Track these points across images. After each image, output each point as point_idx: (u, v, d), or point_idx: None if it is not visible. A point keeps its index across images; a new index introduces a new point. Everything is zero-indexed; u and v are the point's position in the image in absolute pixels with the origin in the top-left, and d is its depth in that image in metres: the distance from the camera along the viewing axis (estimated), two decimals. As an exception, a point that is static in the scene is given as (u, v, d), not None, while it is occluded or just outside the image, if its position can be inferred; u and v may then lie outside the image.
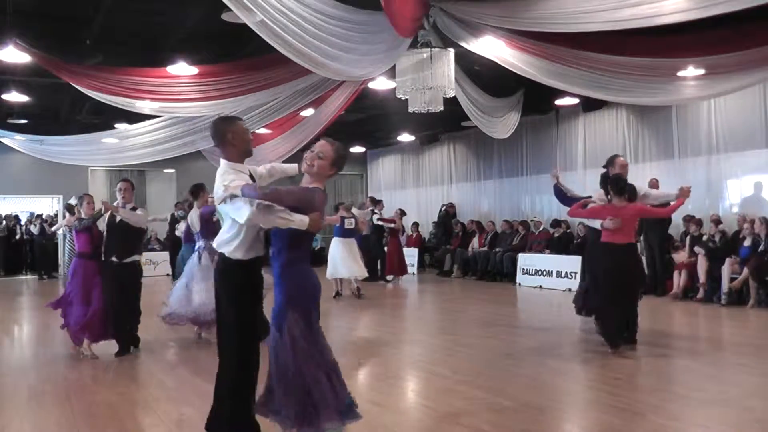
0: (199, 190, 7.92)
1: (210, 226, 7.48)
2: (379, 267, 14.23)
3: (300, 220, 3.40)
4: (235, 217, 3.52)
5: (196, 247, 7.68)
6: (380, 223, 14.09)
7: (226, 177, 3.58)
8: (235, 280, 3.65)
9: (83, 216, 6.85)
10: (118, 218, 6.74)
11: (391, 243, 14.12)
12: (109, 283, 6.66)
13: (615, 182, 6.60)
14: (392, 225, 14.07)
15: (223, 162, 3.71)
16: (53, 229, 12.31)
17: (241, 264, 3.64)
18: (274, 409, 3.51)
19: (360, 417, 3.58)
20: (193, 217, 7.78)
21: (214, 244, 3.78)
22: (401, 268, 14.20)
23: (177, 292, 7.42)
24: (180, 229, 9.22)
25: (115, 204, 6.85)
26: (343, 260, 11.02)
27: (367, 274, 11.65)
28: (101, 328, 6.62)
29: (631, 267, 6.57)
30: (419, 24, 7.36)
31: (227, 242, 3.65)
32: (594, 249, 6.93)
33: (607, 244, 6.51)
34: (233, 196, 3.46)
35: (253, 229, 3.61)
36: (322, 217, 3.54)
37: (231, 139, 3.69)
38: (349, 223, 11.33)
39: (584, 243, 8.43)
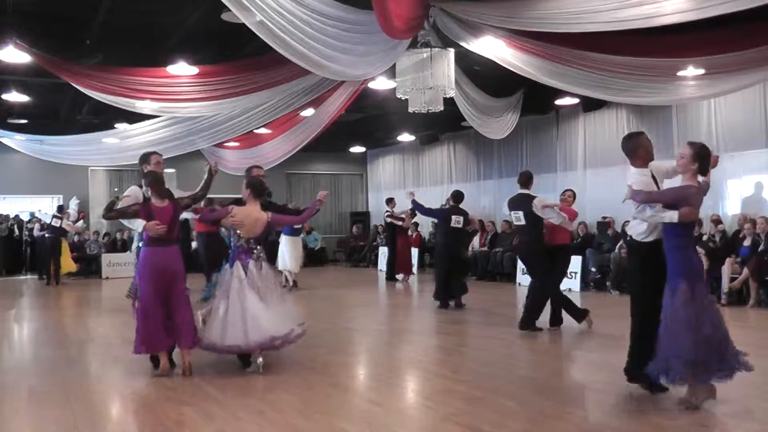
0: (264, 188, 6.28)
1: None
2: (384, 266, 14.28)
3: (670, 216, 4.43)
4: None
5: (238, 255, 5.78)
6: (390, 220, 14.12)
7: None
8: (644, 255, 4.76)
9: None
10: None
11: (399, 242, 14.11)
12: None
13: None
14: (400, 223, 14.05)
15: (632, 169, 4.77)
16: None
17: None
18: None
19: None
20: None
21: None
22: (408, 268, 14.19)
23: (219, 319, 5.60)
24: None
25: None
26: (289, 255, 12.41)
27: (298, 270, 12.73)
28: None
29: None
30: (417, 23, 7.36)
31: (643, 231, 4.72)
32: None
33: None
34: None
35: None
36: (696, 210, 4.59)
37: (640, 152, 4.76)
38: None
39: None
